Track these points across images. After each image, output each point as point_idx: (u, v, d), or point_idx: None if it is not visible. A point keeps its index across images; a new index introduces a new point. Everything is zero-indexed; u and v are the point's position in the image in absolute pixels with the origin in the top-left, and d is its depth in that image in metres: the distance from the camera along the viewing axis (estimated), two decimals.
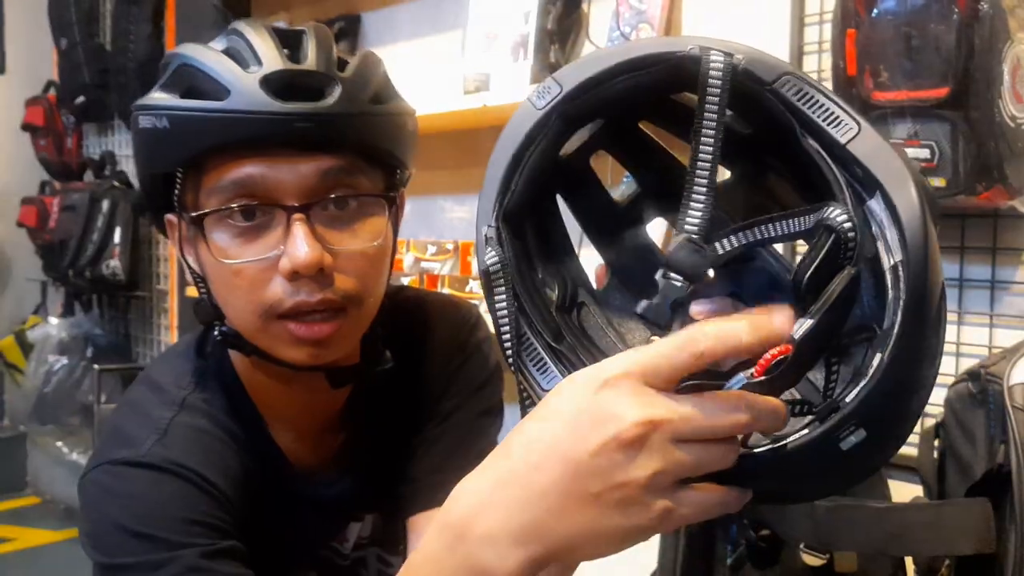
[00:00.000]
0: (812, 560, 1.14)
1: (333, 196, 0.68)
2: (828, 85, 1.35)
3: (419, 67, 2.11)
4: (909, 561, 1.17)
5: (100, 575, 0.71)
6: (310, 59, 0.69)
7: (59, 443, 3.19)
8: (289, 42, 0.70)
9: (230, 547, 0.69)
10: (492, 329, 0.84)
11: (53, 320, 3.13)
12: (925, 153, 1.19)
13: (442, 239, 2.03)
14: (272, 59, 0.67)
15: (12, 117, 3.55)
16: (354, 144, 0.70)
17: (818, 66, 1.42)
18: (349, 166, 0.69)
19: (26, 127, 3.34)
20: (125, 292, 2.95)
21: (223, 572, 0.67)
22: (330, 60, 0.70)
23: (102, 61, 3.01)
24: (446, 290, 1.94)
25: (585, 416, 0.42)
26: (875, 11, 1.22)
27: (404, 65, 2.14)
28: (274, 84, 0.66)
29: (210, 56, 0.68)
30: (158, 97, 0.70)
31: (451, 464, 0.74)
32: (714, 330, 0.43)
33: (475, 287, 1.89)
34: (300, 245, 0.66)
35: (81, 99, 3.06)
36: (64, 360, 3.02)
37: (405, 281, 2.04)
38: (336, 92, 0.68)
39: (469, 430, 0.81)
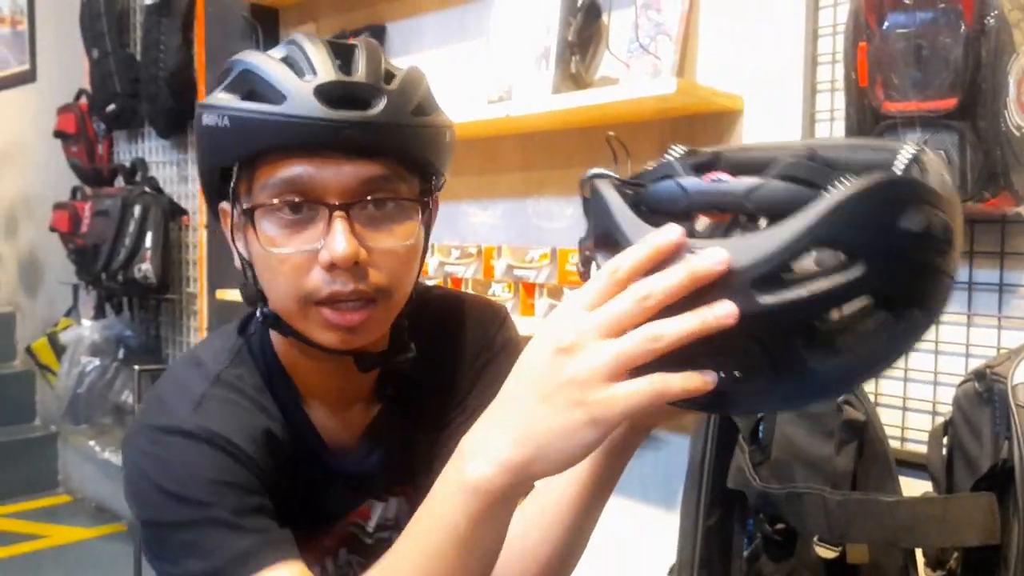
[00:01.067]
0: (825, 552, 1.19)
1: (371, 198, 0.75)
2: (841, 95, 1.40)
3: (443, 76, 2.16)
4: (919, 552, 1.22)
5: (140, 526, 0.79)
6: (360, 71, 0.75)
7: (91, 442, 3.27)
8: (342, 55, 0.76)
9: (259, 504, 0.76)
10: (519, 330, 0.91)
11: (86, 322, 3.21)
12: None
13: (465, 243, 2.08)
14: (326, 70, 0.74)
15: (44, 124, 3.64)
16: (395, 152, 0.76)
17: (831, 76, 1.47)
18: (389, 172, 0.76)
19: (58, 134, 3.41)
20: (156, 295, 3.02)
21: (252, 527, 0.74)
22: (378, 73, 0.76)
23: (133, 71, 3.09)
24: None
25: (541, 347, 0.56)
26: (886, 24, 1.26)
27: (428, 74, 2.20)
28: (326, 93, 0.72)
29: (270, 64, 0.75)
30: (221, 98, 0.76)
31: None
32: (629, 259, 0.54)
33: (497, 290, 1.94)
34: (339, 240, 0.72)
35: (112, 107, 3.13)
36: (96, 361, 3.10)
37: (430, 284, 2.09)
38: (382, 103, 0.74)
39: None
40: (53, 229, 3.38)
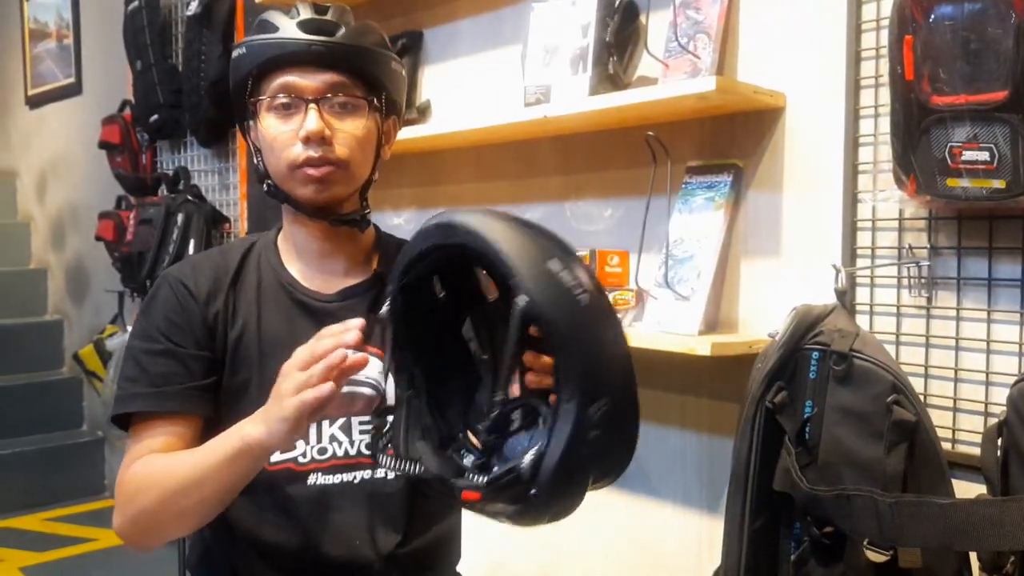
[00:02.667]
0: (876, 556, 1.16)
1: (330, 96, 1.09)
2: (885, 90, 1.38)
3: (480, 80, 2.17)
4: (973, 557, 1.18)
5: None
6: (329, 15, 1.11)
7: None
8: (320, 10, 1.11)
9: (185, 353, 1.11)
10: None
11: (131, 329, 3.25)
12: (985, 156, 1.20)
13: None
14: (307, 12, 1.10)
15: (89, 135, 3.71)
16: (350, 65, 1.10)
17: (875, 71, 1.44)
18: (348, 80, 1.10)
19: (103, 145, 3.47)
20: None
21: (156, 373, 1.10)
22: (342, 19, 1.11)
23: (175, 81, 3.13)
24: None
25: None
26: (932, 17, 1.24)
27: (466, 79, 2.20)
28: (304, 25, 1.09)
29: (272, 12, 1.12)
30: (243, 39, 1.15)
31: None
32: (324, 342, 0.94)
33: None
34: (311, 121, 1.08)
35: (155, 118, 3.18)
36: None
37: None
38: (342, 32, 1.09)
39: None
40: (99, 238, 3.44)
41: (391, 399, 0.98)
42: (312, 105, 1.08)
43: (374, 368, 1.10)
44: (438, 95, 2.28)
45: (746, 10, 1.63)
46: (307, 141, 1.08)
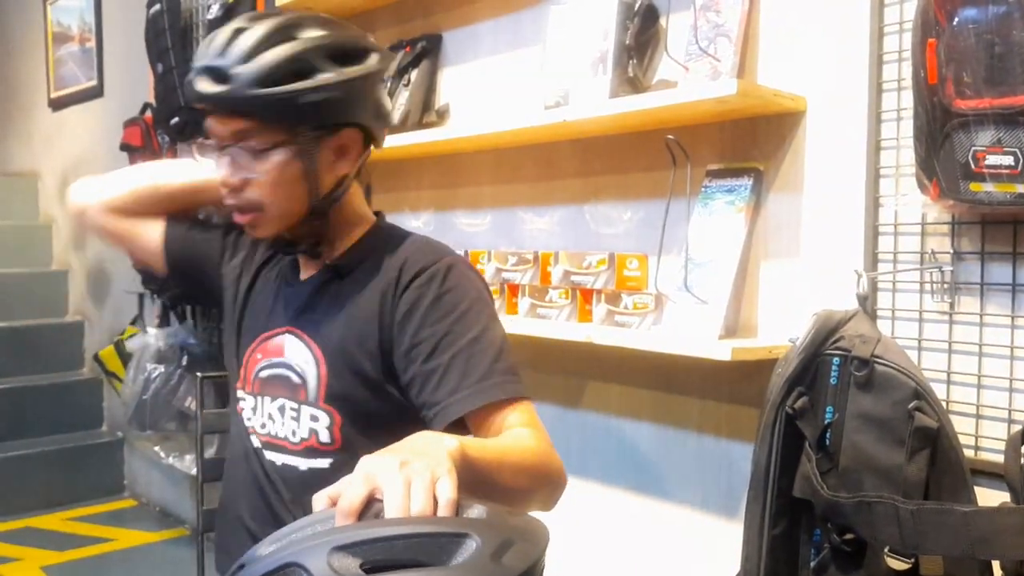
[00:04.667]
0: (897, 564, 1.15)
1: (228, 145, 1.09)
2: (908, 94, 1.37)
3: (500, 83, 2.17)
4: (996, 565, 1.17)
5: None
6: (229, 55, 1.05)
7: (156, 448, 3.34)
8: (237, 38, 1.06)
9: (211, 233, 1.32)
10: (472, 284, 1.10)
11: (151, 330, 3.28)
12: (1009, 160, 1.19)
13: (522, 250, 2.08)
14: (202, 55, 1.07)
15: (111, 138, 3.74)
16: (245, 113, 1.07)
17: (898, 75, 1.43)
18: (251, 126, 1.07)
19: (124, 147, 3.50)
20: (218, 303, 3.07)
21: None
22: (245, 55, 1.05)
23: None
24: (527, 300, 1.99)
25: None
26: (956, 20, 1.23)
27: (485, 81, 2.21)
28: (200, 73, 1.07)
29: (201, 45, 1.10)
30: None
31: (464, 381, 1.03)
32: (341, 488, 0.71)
33: (554, 296, 1.93)
34: (222, 171, 1.10)
35: (176, 120, 3.20)
36: (161, 368, 3.16)
37: None
38: (230, 83, 1.05)
39: (462, 349, 1.05)
40: None
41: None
42: (222, 152, 1.09)
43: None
44: (457, 98, 2.28)
45: (767, 13, 1.62)
46: (224, 187, 1.11)
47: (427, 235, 1.20)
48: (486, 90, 2.21)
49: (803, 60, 1.57)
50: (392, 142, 2.16)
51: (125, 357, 3.52)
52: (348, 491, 0.65)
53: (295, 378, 1.16)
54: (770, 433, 1.27)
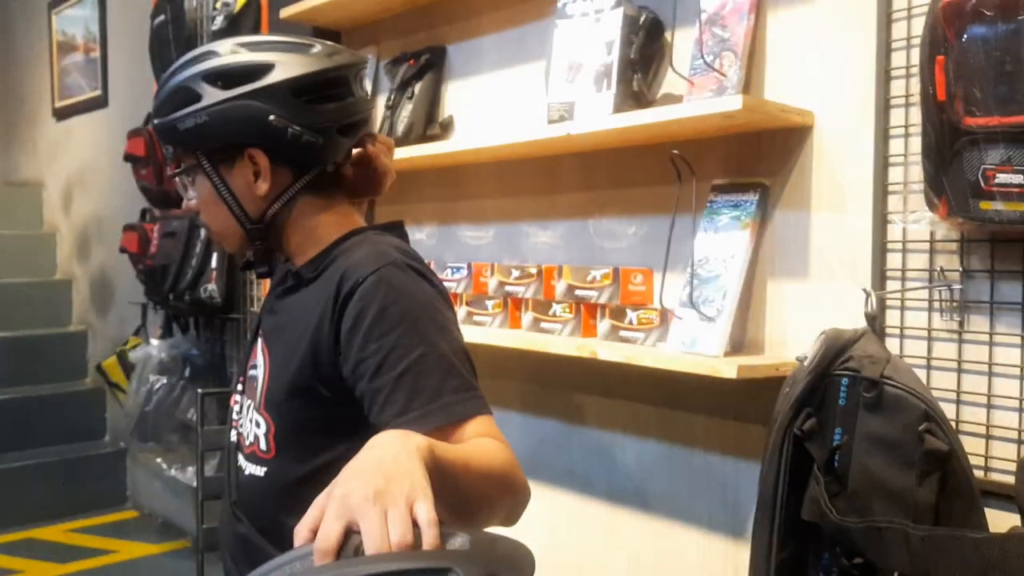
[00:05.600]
0: None
1: (170, 173, 1.20)
2: (916, 110, 1.36)
3: (504, 97, 2.16)
4: None
5: None
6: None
7: (159, 459, 3.32)
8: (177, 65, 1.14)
9: None
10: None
11: (153, 341, 3.27)
12: (1019, 179, 1.18)
13: (526, 263, 2.06)
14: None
15: (114, 148, 3.74)
16: (162, 142, 1.17)
17: (905, 91, 1.42)
18: (172, 155, 1.16)
19: (128, 157, 3.49)
20: (221, 314, 3.06)
21: None
22: (158, 90, 1.14)
23: None
24: (529, 314, 1.97)
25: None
26: (965, 37, 1.21)
27: (489, 95, 2.20)
28: None
29: None
30: None
31: (413, 403, 0.98)
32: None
33: (558, 310, 1.92)
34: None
35: None
36: (163, 380, 3.15)
37: (489, 304, 2.08)
38: (155, 105, 1.14)
39: (409, 366, 0.99)
40: (123, 250, 3.46)
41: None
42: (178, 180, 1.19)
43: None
44: (461, 111, 2.27)
45: (773, 27, 1.61)
46: None
47: (385, 241, 1.14)
48: (490, 103, 2.20)
49: (810, 75, 1.56)
50: (395, 155, 2.15)
51: (128, 368, 3.51)
52: (324, 529, 0.63)
53: (255, 381, 1.17)
54: (778, 455, 1.25)
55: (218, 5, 3.04)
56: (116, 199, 4.03)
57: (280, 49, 1.12)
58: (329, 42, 1.16)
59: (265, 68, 1.09)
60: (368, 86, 2.02)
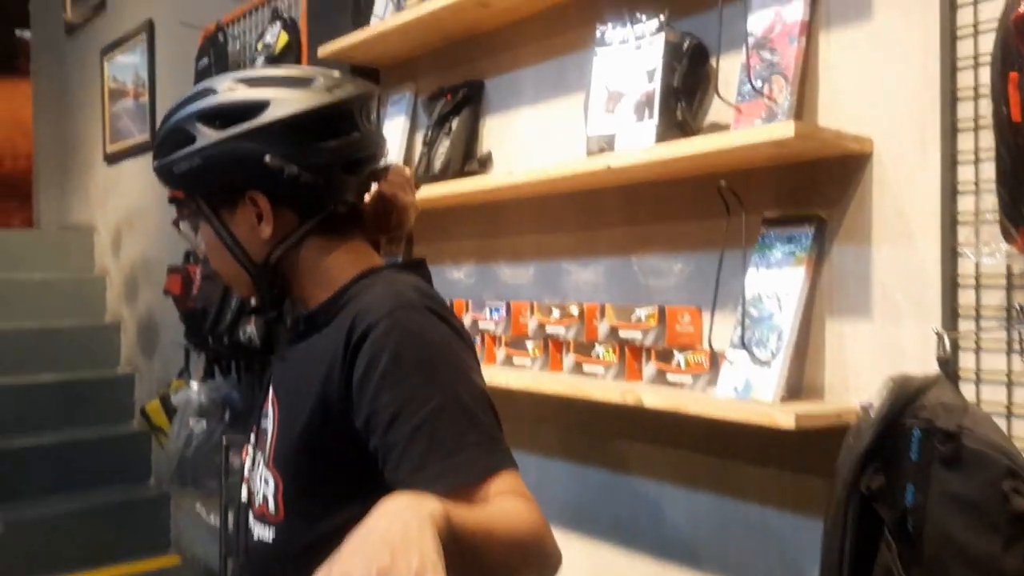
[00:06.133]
0: None
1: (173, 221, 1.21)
2: (987, 133, 1.24)
3: (542, 130, 2.08)
4: None
5: None
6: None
7: (198, 504, 3.27)
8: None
9: None
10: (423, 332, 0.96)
11: (193, 384, 3.24)
12: None
13: (566, 303, 1.97)
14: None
15: (161, 190, 3.73)
16: (166, 185, 1.13)
17: (975, 113, 1.30)
18: (179, 197, 1.16)
19: (172, 200, 3.49)
20: (260, 357, 3.01)
21: None
22: (158, 130, 1.10)
23: None
24: (571, 357, 1.87)
25: None
26: None
27: (527, 128, 2.12)
28: None
29: None
30: None
31: (429, 459, 0.89)
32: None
33: (601, 352, 1.82)
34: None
35: None
36: (203, 423, 3.11)
37: (529, 346, 1.98)
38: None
39: (425, 419, 0.90)
40: (167, 292, 3.45)
41: None
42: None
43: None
44: (500, 146, 2.20)
45: (826, 49, 1.50)
46: None
47: (403, 280, 1.05)
48: (529, 137, 2.12)
49: (867, 99, 1.45)
50: (433, 191, 2.09)
51: (170, 411, 3.48)
52: None
53: (265, 434, 1.10)
54: (843, 516, 1.13)
55: (259, 47, 3.04)
56: (163, 241, 4.05)
57: (278, 84, 1.05)
58: (336, 72, 1.09)
59: (260, 106, 1.03)
60: (373, 116, 1.96)
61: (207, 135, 1.03)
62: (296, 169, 1.02)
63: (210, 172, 1.04)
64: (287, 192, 1.04)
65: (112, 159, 4.68)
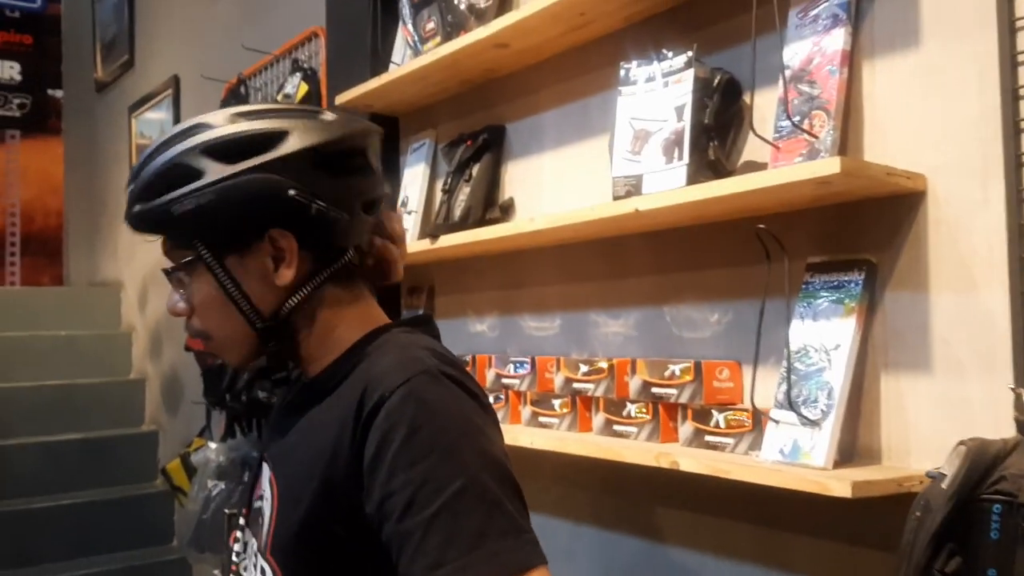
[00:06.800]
0: None
1: (162, 269, 0.99)
2: None
3: (565, 174, 1.98)
4: None
5: None
6: (131, 173, 0.98)
7: (216, 571, 3.14)
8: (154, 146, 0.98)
9: None
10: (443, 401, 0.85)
11: (211, 444, 3.14)
12: None
13: (594, 357, 1.84)
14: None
15: None
16: (150, 232, 0.98)
17: None
18: (167, 247, 0.98)
19: (188, 349, 3.45)
20: None
21: None
22: (134, 172, 0.96)
23: None
24: (601, 415, 1.74)
25: None
26: None
27: (550, 173, 2.02)
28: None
29: None
30: None
31: (449, 552, 0.77)
32: None
33: (633, 410, 1.68)
34: (169, 295, 1.00)
35: None
36: (221, 485, 3.00)
37: (556, 404, 1.86)
38: (128, 203, 0.97)
39: (444, 504, 0.80)
40: (188, 348, 3.37)
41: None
42: (169, 280, 1.00)
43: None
44: (522, 192, 2.10)
45: (870, 80, 1.39)
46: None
47: (414, 342, 0.95)
48: (552, 182, 2.02)
49: (918, 132, 1.32)
50: (453, 240, 1.99)
51: (191, 471, 3.38)
52: None
53: (260, 517, 0.97)
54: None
55: (280, 98, 3.00)
56: None
57: (290, 116, 0.95)
58: (341, 111, 1.00)
59: (278, 136, 0.92)
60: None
61: (217, 169, 0.91)
62: (323, 204, 0.92)
63: (222, 210, 0.91)
64: (308, 231, 0.94)
65: None
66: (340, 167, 0.95)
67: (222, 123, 0.94)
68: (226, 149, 0.92)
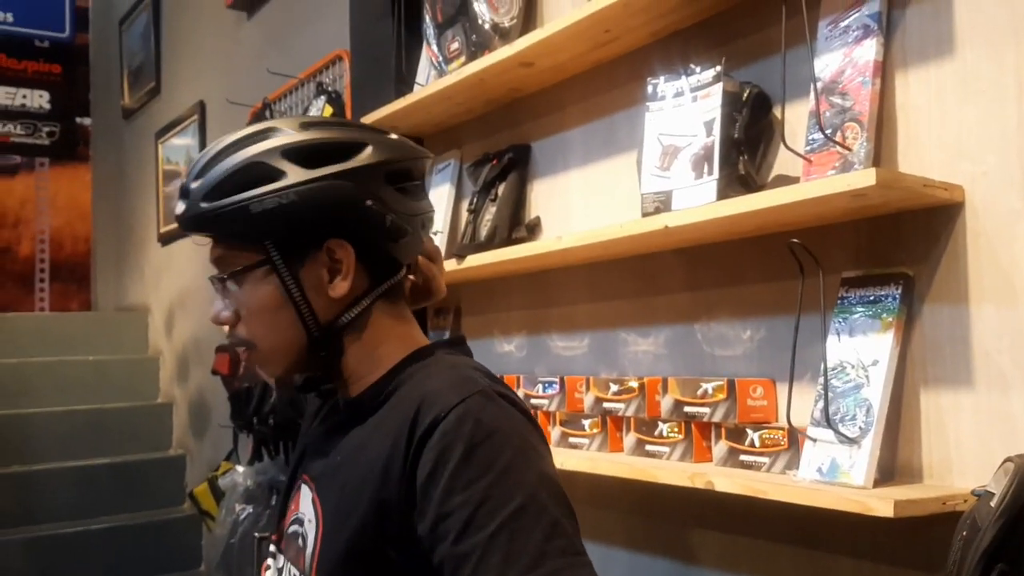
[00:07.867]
0: None
1: (212, 276, 0.98)
2: None
3: (593, 192, 1.97)
4: None
5: None
6: (191, 171, 0.95)
7: None
8: (210, 157, 0.95)
9: None
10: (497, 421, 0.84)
11: (238, 468, 3.14)
12: None
13: (625, 376, 1.82)
14: (195, 162, 0.96)
15: (211, 269, 3.73)
16: (209, 234, 0.96)
17: None
18: (223, 250, 0.96)
19: (215, 373, 3.46)
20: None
21: None
22: (201, 170, 0.94)
23: None
24: (632, 435, 1.72)
25: None
26: None
27: (577, 191, 2.01)
28: (180, 190, 0.98)
29: None
30: None
31: (510, 570, 0.76)
32: None
33: (665, 430, 1.66)
34: (213, 304, 0.98)
35: None
36: (249, 509, 2.99)
37: (585, 424, 1.83)
38: (186, 202, 0.95)
39: (503, 523, 0.79)
40: (215, 372, 3.38)
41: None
42: (215, 286, 0.98)
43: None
44: (548, 210, 2.09)
45: (904, 91, 1.37)
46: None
47: (463, 363, 0.96)
48: (579, 200, 2.01)
49: (954, 143, 1.30)
50: (479, 260, 1.98)
51: (219, 495, 3.38)
52: None
53: (300, 540, 0.95)
54: None
55: None
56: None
57: (361, 129, 0.98)
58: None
59: (357, 146, 0.93)
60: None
61: (299, 172, 0.90)
62: (396, 218, 0.93)
63: (300, 213, 0.90)
64: (373, 244, 0.94)
65: (165, 240, 4.70)
66: (405, 184, 0.96)
67: (296, 129, 0.94)
68: (307, 154, 0.92)
